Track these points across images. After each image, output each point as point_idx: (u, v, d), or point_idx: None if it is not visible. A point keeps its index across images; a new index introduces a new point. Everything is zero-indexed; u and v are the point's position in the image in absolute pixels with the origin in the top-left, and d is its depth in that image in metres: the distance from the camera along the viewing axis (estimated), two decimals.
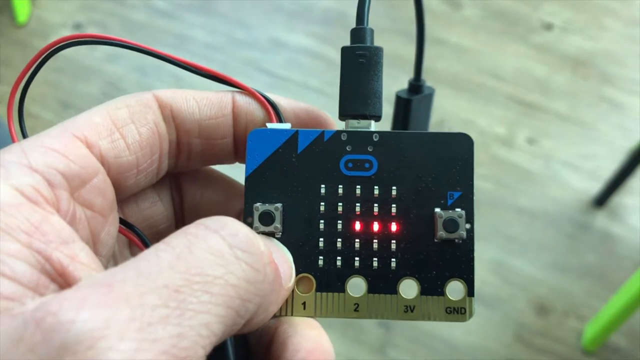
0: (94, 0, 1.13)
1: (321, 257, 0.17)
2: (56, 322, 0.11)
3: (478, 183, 0.90)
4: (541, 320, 0.80)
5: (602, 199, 0.88)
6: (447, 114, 0.99)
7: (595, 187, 0.90)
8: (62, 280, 0.13)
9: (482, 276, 0.83)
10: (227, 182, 0.21)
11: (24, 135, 0.18)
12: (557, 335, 0.80)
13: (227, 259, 0.14)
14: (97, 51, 1.06)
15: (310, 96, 1.00)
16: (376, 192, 0.18)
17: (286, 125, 0.18)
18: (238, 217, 0.15)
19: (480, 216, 0.88)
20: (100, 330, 0.11)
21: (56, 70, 1.05)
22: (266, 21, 1.10)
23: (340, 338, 0.79)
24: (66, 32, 1.07)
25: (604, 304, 0.77)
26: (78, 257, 0.14)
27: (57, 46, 0.18)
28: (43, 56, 0.18)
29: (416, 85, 0.26)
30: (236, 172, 0.20)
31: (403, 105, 0.26)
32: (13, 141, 0.17)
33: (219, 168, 0.21)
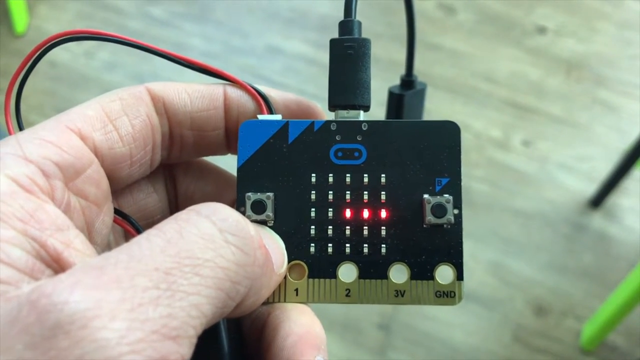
0: (91, 10, 1.14)
1: (313, 245, 0.18)
2: (50, 303, 0.11)
3: (474, 185, 0.91)
4: (539, 321, 0.81)
5: (597, 200, 0.89)
6: (442, 117, 0.99)
7: (590, 188, 0.90)
8: (57, 266, 0.14)
9: (479, 278, 0.83)
10: (220, 174, 0.21)
11: (21, 129, 0.18)
12: (556, 335, 0.80)
13: (217, 242, 0.14)
14: (94, 60, 1.07)
15: None
16: (366, 180, 0.18)
17: (277, 117, 0.19)
18: (231, 207, 0.16)
19: (477, 218, 0.88)
20: (93, 310, 0.11)
21: (54, 79, 1.05)
22: (262, 28, 1.11)
23: (340, 341, 0.79)
24: None
25: (602, 303, 0.78)
26: (73, 243, 0.14)
27: (52, 42, 0.18)
28: (39, 52, 0.18)
29: (408, 81, 0.26)
30: (229, 163, 0.20)
31: (396, 100, 0.26)
32: (10, 134, 0.17)
33: (212, 160, 0.21)
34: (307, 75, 1.05)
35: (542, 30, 1.09)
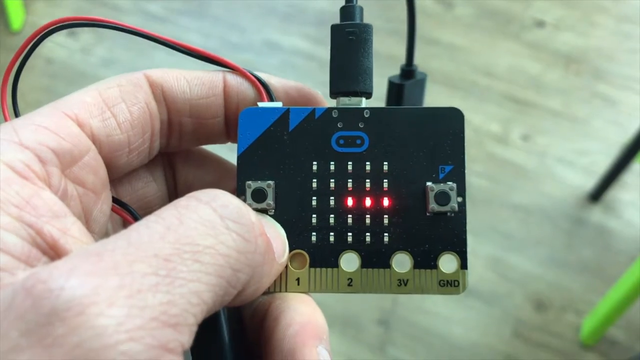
0: (88, 6, 1.14)
1: (314, 233, 0.18)
2: (45, 290, 0.11)
3: (473, 180, 0.91)
4: (539, 316, 0.80)
5: (597, 194, 0.89)
6: None
7: (590, 182, 0.90)
8: (54, 253, 0.14)
9: (479, 273, 0.83)
10: (219, 162, 0.21)
11: (17, 116, 0.18)
12: (556, 330, 0.80)
13: (218, 229, 0.14)
14: (91, 56, 1.06)
15: None
16: (368, 167, 0.18)
17: (277, 104, 0.18)
18: None
19: (476, 213, 0.88)
20: (90, 296, 0.11)
21: (51, 76, 1.05)
22: (260, 24, 1.11)
23: (340, 337, 0.79)
24: (60, 38, 1.07)
25: (601, 298, 0.78)
26: (69, 231, 0.14)
27: (46, 30, 0.18)
28: (34, 40, 0.18)
29: (408, 71, 0.26)
30: (229, 152, 0.20)
31: (396, 90, 0.26)
32: (5, 121, 0.17)
33: (212, 148, 0.21)
34: (305, 70, 1.05)
35: (540, 24, 1.09)
